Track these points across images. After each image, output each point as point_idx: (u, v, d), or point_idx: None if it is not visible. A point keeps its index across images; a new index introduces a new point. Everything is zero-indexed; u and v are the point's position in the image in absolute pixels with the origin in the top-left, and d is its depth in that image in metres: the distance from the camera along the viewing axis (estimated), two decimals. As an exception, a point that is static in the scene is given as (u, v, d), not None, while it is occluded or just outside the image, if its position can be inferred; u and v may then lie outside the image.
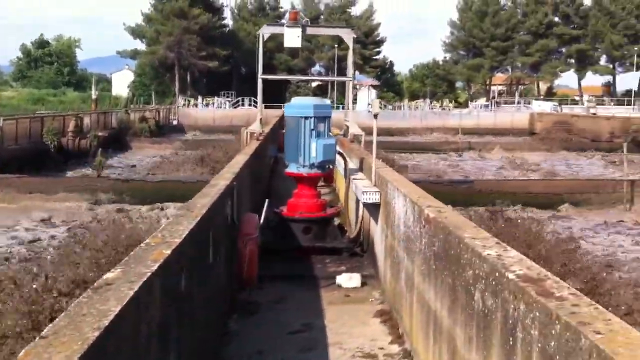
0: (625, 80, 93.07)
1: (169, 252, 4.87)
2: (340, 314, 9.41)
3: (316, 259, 12.24)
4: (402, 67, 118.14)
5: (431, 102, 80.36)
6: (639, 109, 69.39)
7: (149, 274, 4.26)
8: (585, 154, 41.38)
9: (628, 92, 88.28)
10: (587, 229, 18.63)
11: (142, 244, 5.18)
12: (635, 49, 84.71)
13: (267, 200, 10.44)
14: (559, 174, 29.80)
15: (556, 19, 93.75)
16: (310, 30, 20.26)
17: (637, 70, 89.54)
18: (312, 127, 12.49)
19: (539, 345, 3.85)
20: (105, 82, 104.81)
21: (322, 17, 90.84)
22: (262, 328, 8.80)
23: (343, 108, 41.04)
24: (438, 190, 21.42)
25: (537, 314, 3.91)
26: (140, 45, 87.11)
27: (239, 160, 12.49)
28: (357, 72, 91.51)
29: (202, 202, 7.33)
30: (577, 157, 40.44)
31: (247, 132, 18.92)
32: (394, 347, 8.18)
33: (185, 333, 5.67)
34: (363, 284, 10.76)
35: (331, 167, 14.01)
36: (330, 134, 15.44)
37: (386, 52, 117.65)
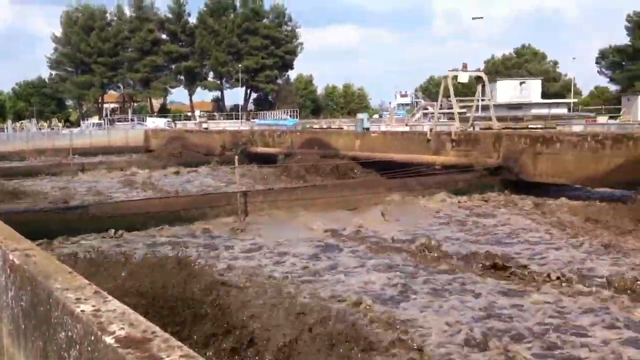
0: (232, 95, 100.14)
1: None
2: None
3: None
4: (5, 86, 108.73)
5: (38, 122, 75.41)
6: (246, 122, 74.40)
7: None
8: (197, 169, 42.46)
9: (236, 107, 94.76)
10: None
11: None
12: (240, 65, 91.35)
13: None
14: (176, 191, 29.69)
15: (164, 36, 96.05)
16: None
17: (242, 86, 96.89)
18: None
19: None
20: None
21: None
22: None
23: None
24: (48, 219, 19.49)
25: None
26: None
27: None
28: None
29: None
30: (192, 172, 41.24)
31: None
32: None
33: None
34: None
35: None
36: None
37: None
